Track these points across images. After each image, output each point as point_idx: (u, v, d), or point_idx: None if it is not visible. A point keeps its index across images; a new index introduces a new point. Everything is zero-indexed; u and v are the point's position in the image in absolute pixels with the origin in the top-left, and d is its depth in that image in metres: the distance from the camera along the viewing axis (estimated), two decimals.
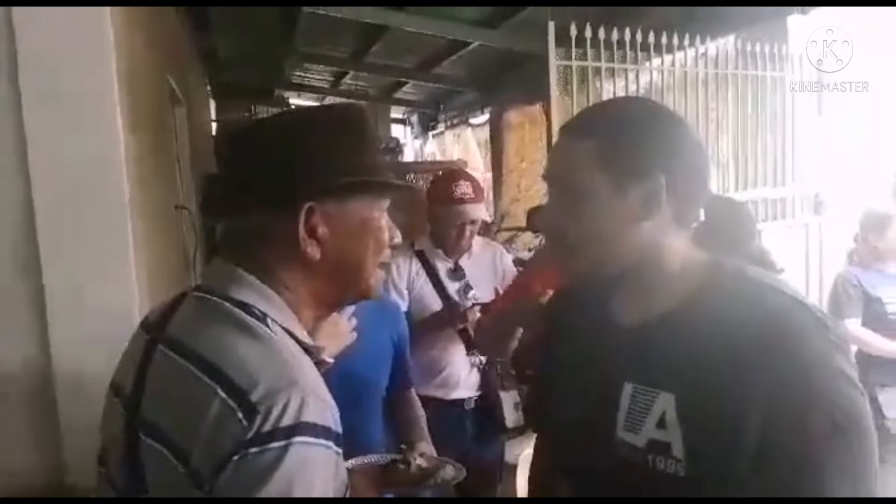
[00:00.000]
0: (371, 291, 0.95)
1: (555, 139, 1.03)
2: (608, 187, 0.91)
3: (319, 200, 0.86)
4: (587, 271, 0.98)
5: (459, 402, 2.46)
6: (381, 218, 0.93)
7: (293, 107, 9.24)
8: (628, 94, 3.29)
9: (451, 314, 2.36)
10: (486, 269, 2.53)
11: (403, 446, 1.61)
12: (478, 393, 2.48)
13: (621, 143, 0.91)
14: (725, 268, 0.91)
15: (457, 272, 2.48)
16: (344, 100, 9.05)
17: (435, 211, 2.45)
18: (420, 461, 1.52)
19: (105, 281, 1.55)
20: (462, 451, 1.74)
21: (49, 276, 1.52)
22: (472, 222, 2.44)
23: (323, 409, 0.77)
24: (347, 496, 0.84)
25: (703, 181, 0.95)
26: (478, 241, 2.57)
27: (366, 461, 1.52)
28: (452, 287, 2.46)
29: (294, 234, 0.85)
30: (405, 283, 2.45)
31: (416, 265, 2.47)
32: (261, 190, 0.86)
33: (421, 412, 1.93)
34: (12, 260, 1.52)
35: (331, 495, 0.78)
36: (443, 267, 2.49)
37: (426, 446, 1.71)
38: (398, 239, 0.97)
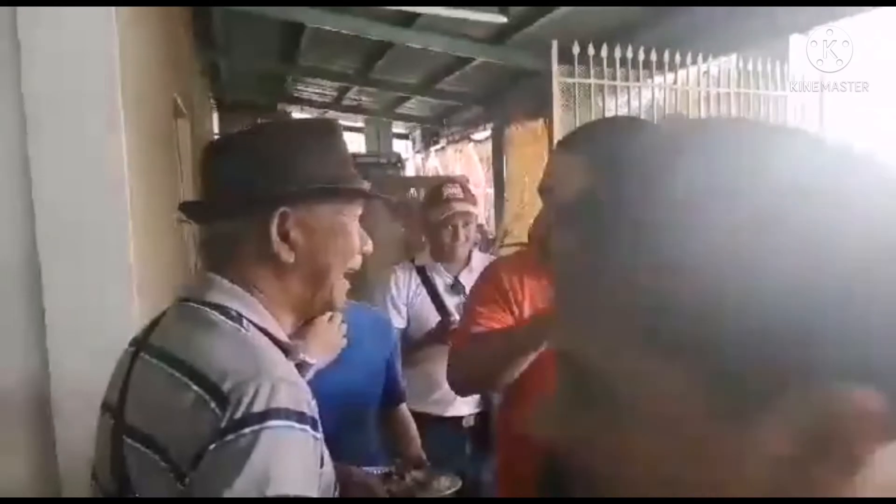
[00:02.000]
0: (335, 302, 0.98)
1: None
2: None
3: (292, 206, 0.90)
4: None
5: (457, 420, 2.44)
6: (351, 224, 0.97)
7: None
8: (630, 112, 3.31)
9: (442, 331, 2.35)
10: None
11: (398, 459, 1.61)
12: (476, 410, 2.46)
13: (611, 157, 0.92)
14: None
15: (456, 287, 2.48)
16: (347, 114, 9.11)
17: (428, 217, 2.45)
18: (415, 473, 1.52)
19: (105, 296, 1.54)
20: (460, 469, 1.73)
21: (49, 290, 1.51)
22: (465, 224, 2.44)
23: (295, 394, 0.79)
24: (337, 491, 0.85)
25: None
26: (477, 257, 2.56)
27: None
28: (452, 302, 2.46)
29: (268, 239, 0.89)
30: (404, 299, 2.45)
31: (416, 281, 2.47)
32: (236, 196, 0.91)
33: (414, 426, 1.93)
34: (12, 274, 1.52)
35: (312, 479, 0.79)
36: (442, 282, 2.48)
37: (420, 459, 1.70)
38: (369, 247, 1.00)
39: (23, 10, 1.46)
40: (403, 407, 1.95)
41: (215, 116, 8.44)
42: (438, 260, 2.50)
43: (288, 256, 0.90)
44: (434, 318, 2.42)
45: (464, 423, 2.45)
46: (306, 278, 0.93)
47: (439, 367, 2.43)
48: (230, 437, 0.74)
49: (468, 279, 2.47)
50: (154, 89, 2.34)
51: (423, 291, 2.46)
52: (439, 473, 1.55)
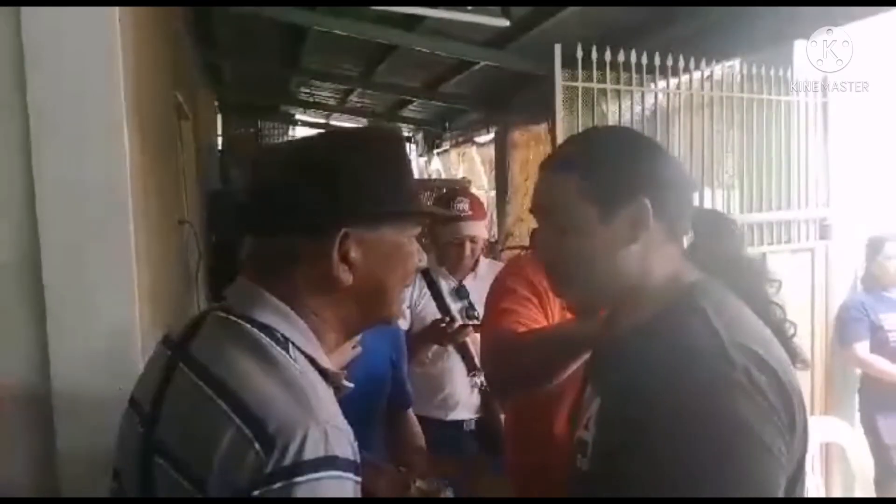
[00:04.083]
0: (393, 316, 0.96)
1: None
2: (595, 217, 0.95)
3: (354, 226, 0.86)
4: (588, 301, 1.03)
5: (459, 424, 2.44)
6: (412, 244, 0.93)
7: (331, 128, 9.26)
8: (633, 116, 3.30)
9: (438, 332, 2.35)
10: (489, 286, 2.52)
11: (402, 468, 1.60)
12: (478, 415, 2.46)
13: (603, 172, 0.96)
14: (691, 295, 0.93)
15: (460, 292, 2.48)
16: (350, 117, 9.11)
17: (435, 229, 2.45)
18: (419, 483, 1.51)
19: (107, 298, 1.54)
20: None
21: (50, 292, 1.51)
22: (472, 240, 2.44)
23: (342, 440, 0.76)
24: None
25: (688, 197, 1.02)
26: (484, 263, 2.56)
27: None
28: (455, 307, 2.46)
29: (326, 259, 0.85)
30: (408, 302, 2.45)
31: (421, 284, 2.47)
32: (297, 213, 0.86)
33: (419, 432, 1.92)
34: (13, 275, 1.52)
35: None
36: (446, 286, 2.48)
37: (425, 467, 1.69)
38: (424, 262, 0.98)
39: (27, 11, 1.46)
40: (410, 413, 1.93)
41: (219, 118, 8.44)
42: (444, 266, 2.50)
43: (347, 278, 0.86)
44: None
45: (465, 426, 2.45)
46: (363, 299, 0.90)
47: (443, 372, 2.44)
48: (278, 485, 0.71)
49: (473, 285, 2.48)
50: (157, 90, 2.34)
51: (428, 294, 2.47)
52: (444, 484, 1.54)
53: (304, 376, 0.81)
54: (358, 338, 1.47)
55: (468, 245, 2.43)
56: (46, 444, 1.52)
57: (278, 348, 0.82)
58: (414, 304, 2.47)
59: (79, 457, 1.48)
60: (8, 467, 1.53)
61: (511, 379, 1.57)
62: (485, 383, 2.43)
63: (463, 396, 2.44)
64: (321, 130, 8.02)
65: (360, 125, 9.40)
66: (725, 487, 0.79)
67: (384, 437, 1.84)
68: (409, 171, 0.96)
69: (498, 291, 1.67)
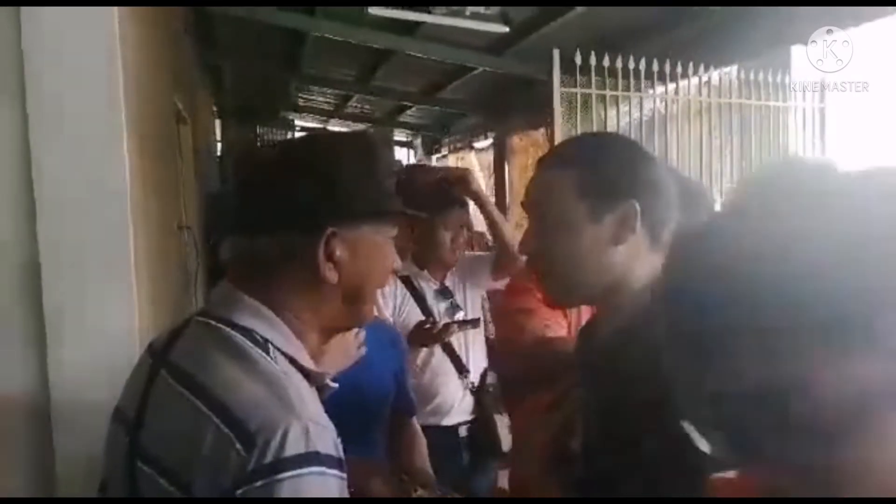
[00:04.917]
0: (366, 318, 0.97)
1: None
2: (586, 214, 0.98)
3: (339, 226, 0.86)
4: (568, 294, 1.06)
5: (453, 429, 2.41)
6: (388, 245, 0.94)
7: (319, 131, 9.28)
8: (631, 121, 3.31)
9: (419, 334, 2.34)
10: (467, 280, 2.52)
11: (405, 476, 1.59)
12: (471, 417, 2.44)
13: (599, 172, 0.99)
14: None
15: (444, 292, 2.45)
16: (349, 122, 9.12)
17: (435, 220, 2.35)
18: (421, 492, 1.50)
19: (105, 304, 1.53)
20: (456, 478, 1.71)
21: (49, 298, 1.50)
22: (468, 228, 2.47)
23: (325, 436, 0.76)
24: None
25: (673, 206, 1.04)
26: (462, 258, 2.55)
27: None
28: (440, 307, 2.43)
29: (312, 258, 0.85)
30: (390, 310, 2.40)
31: (402, 290, 2.42)
32: (281, 212, 0.87)
33: (423, 441, 1.90)
34: (12, 281, 1.51)
35: None
36: (429, 289, 2.45)
37: (427, 476, 1.68)
38: (399, 265, 0.98)
39: (26, 11, 1.47)
40: (413, 421, 1.92)
41: (217, 123, 8.45)
42: (424, 266, 2.46)
43: (332, 277, 0.86)
44: None
45: (459, 431, 2.43)
46: (343, 298, 0.90)
47: (434, 378, 2.42)
48: (260, 483, 0.71)
49: (452, 280, 2.47)
50: (156, 91, 2.34)
51: (411, 301, 2.43)
52: (446, 492, 1.53)
53: (287, 377, 0.81)
54: (363, 337, 1.46)
55: (465, 231, 2.46)
56: (45, 449, 1.51)
57: (258, 350, 0.82)
58: (397, 311, 2.44)
59: (78, 462, 1.47)
60: (6, 475, 1.52)
61: (526, 379, 1.58)
62: (489, 381, 2.43)
63: (456, 400, 2.42)
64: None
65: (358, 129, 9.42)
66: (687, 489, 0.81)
67: (387, 445, 1.82)
68: (392, 174, 0.97)
69: (513, 292, 1.70)
